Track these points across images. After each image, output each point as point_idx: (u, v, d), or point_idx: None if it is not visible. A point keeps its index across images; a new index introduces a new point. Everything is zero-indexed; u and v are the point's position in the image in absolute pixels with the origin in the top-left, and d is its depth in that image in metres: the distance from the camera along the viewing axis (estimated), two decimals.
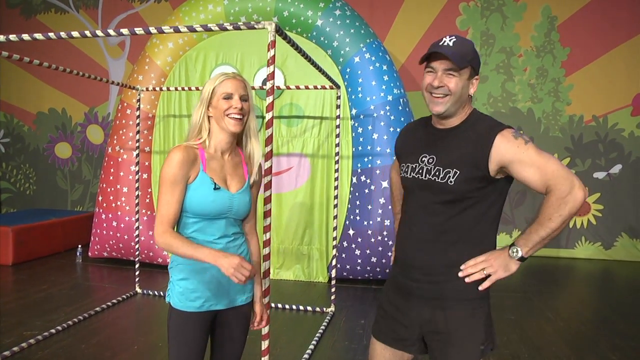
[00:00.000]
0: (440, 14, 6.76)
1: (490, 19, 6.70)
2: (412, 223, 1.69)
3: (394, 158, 2.02)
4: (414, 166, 1.67)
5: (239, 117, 1.73)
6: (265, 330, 2.21)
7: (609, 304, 4.71)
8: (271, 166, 2.18)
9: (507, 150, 1.50)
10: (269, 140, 2.16)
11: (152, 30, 2.30)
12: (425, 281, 1.64)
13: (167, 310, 1.79)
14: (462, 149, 1.57)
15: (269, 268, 2.19)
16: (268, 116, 2.16)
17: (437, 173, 1.59)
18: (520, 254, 1.53)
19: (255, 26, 2.15)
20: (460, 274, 1.58)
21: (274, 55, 2.16)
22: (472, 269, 1.57)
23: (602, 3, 6.43)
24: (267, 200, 2.15)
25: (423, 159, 1.65)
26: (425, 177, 1.62)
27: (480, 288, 1.57)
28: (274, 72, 2.16)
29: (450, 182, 1.56)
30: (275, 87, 4.43)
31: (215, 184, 1.72)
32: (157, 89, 4.62)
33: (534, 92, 6.68)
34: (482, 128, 1.58)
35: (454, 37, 1.58)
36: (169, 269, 1.80)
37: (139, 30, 2.30)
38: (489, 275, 1.56)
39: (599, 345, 3.58)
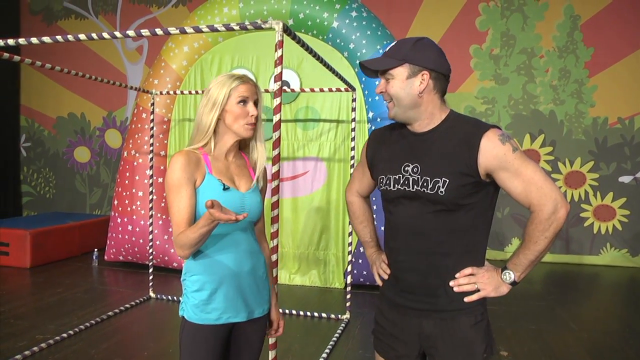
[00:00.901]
0: (460, 15, 6.63)
1: (511, 19, 6.55)
2: (399, 235, 1.58)
3: (352, 177, 1.90)
4: (397, 177, 1.55)
5: (253, 123, 1.69)
6: (272, 340, 2.13)
7: (636, 313, 4.52)
8: (279, 170, 2.12)
9: (494, 156, 1.43)
10: (276, 144, 2.09)
11: (159, 32, 2.26)
12: (421, 294, 1.56)
13: (179, 315, 1.72)
14: (447, 154, 1.48)
15: (277, 275, 2.12)
16: (275, 118, 2.09)
17: (424, 183, 1.49)
18: (512, 279, 1.51)
19: (263, 26, 2.09)
20: (452, 283, 1.52)
21: (282, 56, 2.10)
22: (464, 280, 1.52)
23: (627, 0, 6.22)
24: (275, 205, 2.08)
25: (406, 169, 1.54)
26: (412, 188, 1.51)
27: (466, 299, 1.52)
28: (281, 73, 2.10)
29: (441, 192, 1.46)
30: (291, 90, 4.39)
31: (224, 184, 1.65)
32: (172, 92, 4.60)
33: (556, 94, 6.49)
34: (464, 130, 1.49)
35: (396, 41, 1.54)
36: (182, 281, 1.72)
37: (145, 32, 2.27)
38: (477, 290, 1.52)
39: (627, 357, 3.41)
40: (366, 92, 4.99)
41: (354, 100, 4.12)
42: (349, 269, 4.20)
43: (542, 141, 6.53)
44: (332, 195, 5.20)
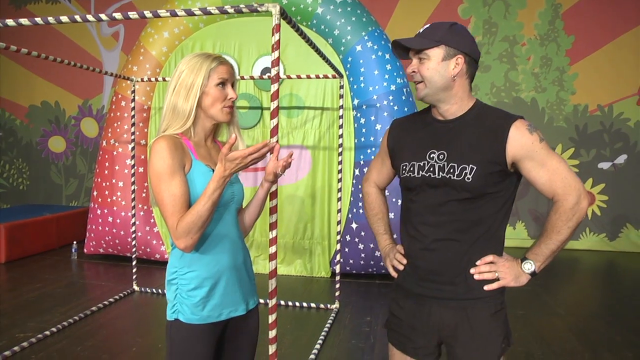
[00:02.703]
0: (442, 3, 6.61)
1: (493, 7, 6.55)
2: (420, 223, 1.57)
3: (370, 168, 1.88)
4: (421, 164, 1.55)
5: (231, 106, 1.60)
6: (272, 334, 2.07)
7: (618, 297, 4.61)
8: None
9: (522, 145, 1.44)
10: (274, 131, 2.01)
11: (147, 14, 2.14)
12: (442, 282, 1.54)
13: (165, 308, 1.59)
14: (475, 142, 1.48)
15: (276, 268, 2.06)
16: (273, 105, 2.01)
17: (451, 170, 1.49)
18: (533, 269, 1.51)
19: (259, 9, 2.00)
20: (472, 270, 1.52)
21: (279, 40, 2.00)
22: (485, 268, 1.52)
23: None
24: (273, 195, 2.00)
25: (432, 156, 1.53)
26: (438, 175, 1.51)
27: (485, 288, 1.52)
28: (279, 57, 2.01)
29: (468, 178, 1.46)
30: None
31: (212, 169, 1.55)
32: (153, 79, 4.45)
33: (538, 82, 6.54)
34: (492, 119, 1.50)
35: (430, 24, 1.52)
36: (170, 282, 1.58)
37: (133, 15, 2.15)
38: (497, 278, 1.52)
39: (614, 342, 3.46)
40: (351, 79, 4.92)
41: (341, 87, 4.05)
42: (338, 258, 4.16)
43: None
44: (317, 183, 5.14)
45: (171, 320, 1.57)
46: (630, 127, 6.40)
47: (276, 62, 2.01)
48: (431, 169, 1.52)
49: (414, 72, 1.53)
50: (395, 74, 4.86)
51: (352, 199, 4.94)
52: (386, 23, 6.53)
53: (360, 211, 4.81)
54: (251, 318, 1.70)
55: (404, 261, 1.64)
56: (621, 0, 6.25)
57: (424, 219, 1.55)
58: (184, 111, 1.55)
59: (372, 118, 4.81)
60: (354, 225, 4.85)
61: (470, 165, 1.46)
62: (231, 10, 2.07)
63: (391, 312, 1.70)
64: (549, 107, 6.53)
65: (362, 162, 4.87)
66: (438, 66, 1.48)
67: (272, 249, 2.05)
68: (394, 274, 1.70)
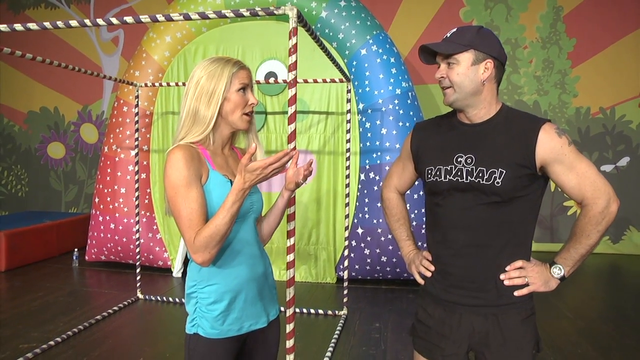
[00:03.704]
0: (444, 6, 6.59)
1: (495, 10, 6.54)
2: (449, 228, 1.54)
3: (390, 173, 1.84)
4: (448, 168, 1.52)
5: (251, 112, 1.57)
6: (289, 344, 2.03)
7: (625, 300, 4.58)
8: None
9: (551, 148, 1.42)
10: (292, 137, 1.97)
11: (160, 17, 2.10)
12: (473, 289, 1.52)
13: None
14: (504, 145, 1.46)
15: (294, 276, 2.01)
16: (290, 110, 1.97)
17: (480, 174, 1.46)
18: (562, 274, 1.50)
19: (275, 12, 1.95)
20: (502, 276, 1.49)
21: (296, 44, 1.96)
22: (515, 273, 1.49)
23: None
24: (291, 202, 1.96)
25: (459, 160, 1.50)
26: (466, 179, 1.48)
27: (516, 293, 1.50)
28: (296, 62, 1.97)
29: (497, 182, 1.44)
30: (282, 81, 4.25)
31: (230, 180, 1.51)
32: (156, 84, 4.41)
33: (540, 84, 6.53)
34: (520, 122, 1.48)
35: (457, 28, 1.50)
36: (189, 296, 1.55)
37: (144, 18, 2.10)
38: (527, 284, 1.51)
39: (626, 347, 3.43)
40: (356, 83, 4.89)
41: (348, 91, 4.02)
42: (345, 263, 4.12)
43: None
44: (323, 188, 5.09)
45: (190, 334, 1.53)
46: (633, 129, 6.40)
47: (293, 67, 1.97)
48: (459, 173, 1.49)
49: (442, 77, 1.50)
50: (400, 77, 4.84)
51: (357, 204, 4.90)
52: (388, 26, 6.51)
53: (367, 216, 4.77)
54: (272, 329, 1.66)
55: (432, 267, 1.61)
56: (622, 2, 6.26)
57: (453, 224, 1.52)
58: (204, 117, 1.51)
59: (378, 122, 4.78)
60: (359, 231, 4.81)
61: (500, 169, 1.44)
62: (247, 13, 2.03)
63: (418, 319, 1.67)
64: (551, 110, 6.52)
65: (367, 167, 4.83)
66: (468, 71, 1.46)
67: (290, 257, 2.01)
68: (420, 280, 1.67)
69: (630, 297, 4.72)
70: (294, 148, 1.49)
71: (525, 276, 1.49)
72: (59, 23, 2.19)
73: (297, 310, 4.12)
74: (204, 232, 1.39)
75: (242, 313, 1.54)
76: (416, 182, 1.77)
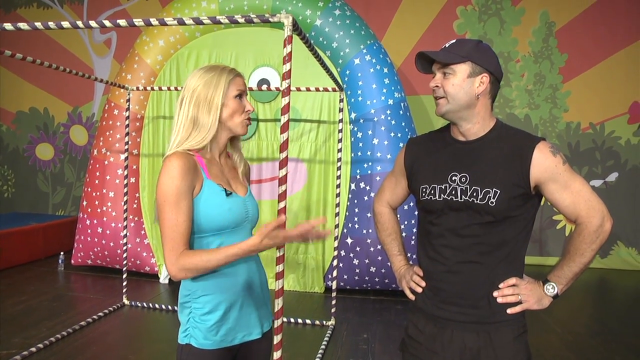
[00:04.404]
0: (438, 18, 6.63)
1: (488, 23, 6.59)
2: (441, 246, 1.52)
3: (382, 187, 1.82)
4: (442, 187, 1.50)
5: (250, 119, 1.59)
6: (277, 355, 1.99)
7: (613, 315, 4.60)
8: (286, 175, 1.98)
9: (546, 168, 1.42)
10: (284, 146, 1.95)
11: (154, 22, 2.07)
12: (465, 306, 1.50)
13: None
14: (499, 164, 1.45)
15: (283, 287, 1.98)
16: (284, 119, 1.95)
17: (474, 193, 1.45)
18: (555, 291, 1.50)
19: (271, 19, 1.94)
20: (496, 293, 1.48)
21: (291, 52, 1.94)
22: (508, 291, 1.48)
23: (601, 9, 6.35)
24: (282, 211, 1.94)
25: (453, 178, 1.49)
26: (460, 198, 1.47)
27: (509, 311, 1.49)
28: (290, 70, 1.95)
29: (492, 202, 1.43)
30: (275, 89, 4.24)
31: (225, 189, 1.50)
32: (148, 88, 4.37)
33: (532, 98, 6.58)
34: (514, 140, 1.47)
35: (456, 39, 1.49)
36: (183, 305, 1.53)
37: (138, 22, 2.07)
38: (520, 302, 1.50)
39: None
40: (349, 93, 4.88)
41: (341, 100, 4.01)
42: (334, 273, 4.09)
43: None
44: (313, 197, 5.07)
45: (182, 344, 1.50)
46: (622, 145, 6.45)
47: (288, 75, 1.95)
48: (453, 192, 1.48)
49: (437, 86, 1.48)
50: (393, 88, 4.84)
51: (347, 213, 4.88)
52: (382, 37, 6.52)
53: (357, 226, 4.75)
54: (265, 341, 1.64)
55: (423, 283, 1.59)
56: (613, 19, 6.33)
57: (446, 242, 1.51)
58: (205, 124, 1.51)
59: (370, 132, 4.77)
60: (349, 241, 4.78)
61: (494, 189, 1.43)
62: (241, 20, 2.01)
63: (408, 334, 1.65)
64: (542, 124, 6.57)
65: (358, 177, 4.82)
66: (463, 83, 1.44)
67: (279, 268, 1.98)
68: (411, 296, 1.65)
69: (617, 311, 4.74)
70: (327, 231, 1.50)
71: (519, 294, 1.48)
72: (51, 24, 2.15)
73: (285, 319, 4.08)
74: (193, 259, 1.39)
75: (237, 324, 1.52)
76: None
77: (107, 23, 2.06)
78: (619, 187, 6.44)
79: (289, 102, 1.95)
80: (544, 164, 1.41)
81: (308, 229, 1.38)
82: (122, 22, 2.06)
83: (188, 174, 1.43)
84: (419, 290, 1.60)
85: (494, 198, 1.42)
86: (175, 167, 1.41)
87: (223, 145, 1.59)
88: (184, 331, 1.51)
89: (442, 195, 1.50)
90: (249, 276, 1.56)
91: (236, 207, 1.52)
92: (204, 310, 1.48)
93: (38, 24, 2.17)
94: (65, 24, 2.10)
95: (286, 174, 1.96)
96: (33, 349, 3.28)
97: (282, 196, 1.96)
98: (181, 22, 2.04)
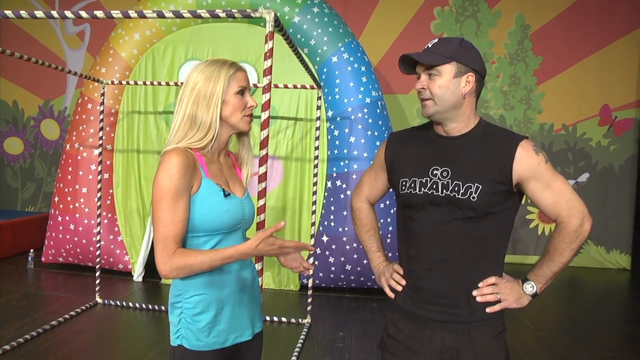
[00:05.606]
0: (415, 18, 6.68)
1: (465, 24, 6.67)
2: (422, 243, 1.52)
3: (361, 182, 1.80)
4: (423, 181, 1.50)
5: (252, 115, 1.53)
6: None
7: (583, 312, 4.72)
8: (266, 172, 1.97)
9: (528, 166, 1.43)
10: (264, 142, 1.94)
11: (132, 14, 2.02)
12: (445, 305, 1.50)
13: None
14: (481, 160, 1.46)
15: (262, 285, 1.97)
16: (264, 116, 1.94)
17: (456, 188, 1.45)
18: (534, 290, 1.50)
19: (252, 14, 1.92)
20: (475, 292, 1.49)
21: (272, 48, 1.94)
22: (487, 290, 1.49)
23: (574, 14, 6.49)
24: (262, 209, 1.92)
25: (435, 172, 1.49)
26: (441, 192, 1.47)
27: (488, 310, 1.50)
28: (271, 66, 1.94)
29: (473, 197, 1.43)
30: (253, 85, 4.20)
31: (223, 190, 1.46)
32: (123, 82, 4.29)
33: (506, 99, 6.69)
34: (498, 138, 1.49)
35: (438, 39, 1.49)
36: (173, 305, 1.48)
37: (116, 14, 2.02)
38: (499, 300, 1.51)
39: (583, 358, 3.52)
40: (326, 90, 4.88)
41: (319, 98, 4.00)
42: (311, 272, 4.07)
43: None
44: (289, 194, 5.05)
45: (174, 346, 1.47)
46: (592, 146, 6.61)
47: (268, 71, 1.94)
48: (434, 186, 1.48)
49: (423, 88, 1.47)
50: (370, 86, 4.86)
51: (323, 211, 4.88)
52: (359, 35, 6.52)
53: (332, 224, 4.75)
54: (256, 343, 1.61)
55: (403, 282, 1.59)
56: (586, 24, 6.48)
57: (427, 238, 1.51)
58: (205, 122, 1.45)
59: (346, 130, 4.78)
60: (324, 238, 4.78)
61: (476, 184, 1.43)
62: (223, 15, 1.99)
63: (387, 333, 1.64)
64: (516, 125, 6.68)
65: (334, 175, 4.82)
66: (450, 83, 1.44)
67: (258, 266, 1.97)
68: (390, 294, 1.64)
69: (587, 308, 4.87)
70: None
71: (498, 292, 1.49)
72: (23, 13, 2.06)
73: None
74: (187, 259, 1.36)
75: (228, 325, 1.49)
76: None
77: (83, 14, 2.00)
78: (590, 187, 6.60)
79: (269, 99, 1.94)
80: (527, 162, 1.42)
81: (301, 245, 1.37)
82: (99, 14, 2.01)
83: (187, 172, 1.38)
84: (399, 289, 1.59)
85: (475, 193, 1.42)
86: (174, 164, 1.36)
87: (224, 143, 1.55)
88: (175, 332, 1.47)
89: (422, 189, 1.49)
90: (241, 276, 1.53)
91: (234, 208, 1.48)
92: (195, 310, 1.45)
93: (9, 12, 2.08)
94: (39, 14, 2.03)
95: (266, 172, 1.95)
96: (0, 351, 3.17)
97: (262, 194, 1.96)
98: (160, 15, 2.01)
